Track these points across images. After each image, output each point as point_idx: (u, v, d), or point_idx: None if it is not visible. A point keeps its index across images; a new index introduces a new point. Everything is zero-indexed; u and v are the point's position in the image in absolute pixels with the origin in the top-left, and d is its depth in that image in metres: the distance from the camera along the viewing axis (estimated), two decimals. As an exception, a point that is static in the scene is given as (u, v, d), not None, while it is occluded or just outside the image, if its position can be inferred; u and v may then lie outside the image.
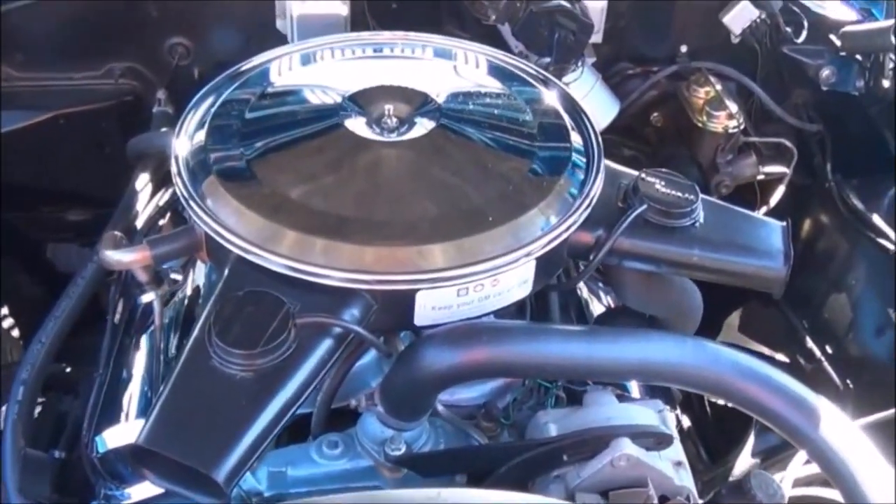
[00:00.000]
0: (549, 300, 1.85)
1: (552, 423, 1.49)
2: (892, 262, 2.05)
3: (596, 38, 2.23)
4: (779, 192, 2.41)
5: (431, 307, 1.43)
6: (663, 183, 1.60)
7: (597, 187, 1.56)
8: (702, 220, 1.60)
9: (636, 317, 1.77)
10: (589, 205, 1.53)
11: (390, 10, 2.29)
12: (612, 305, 2.04)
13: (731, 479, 1.92)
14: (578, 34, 2.11)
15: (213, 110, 1.63)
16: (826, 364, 2.17)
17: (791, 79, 2.37)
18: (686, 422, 2.22)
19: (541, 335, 1.45)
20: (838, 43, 2.27)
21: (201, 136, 1.59)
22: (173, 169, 1.54)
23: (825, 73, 2.29)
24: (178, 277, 1.81)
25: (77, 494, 1.58)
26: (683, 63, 2.40)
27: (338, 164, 1.56)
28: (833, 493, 1.45)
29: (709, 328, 1.84)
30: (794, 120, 2.36)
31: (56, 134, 2.26)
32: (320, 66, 1.77)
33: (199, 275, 1.96)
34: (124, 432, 1.60)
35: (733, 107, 2.32)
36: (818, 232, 2.33)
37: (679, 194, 1.59)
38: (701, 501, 1.48)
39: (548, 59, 2.10)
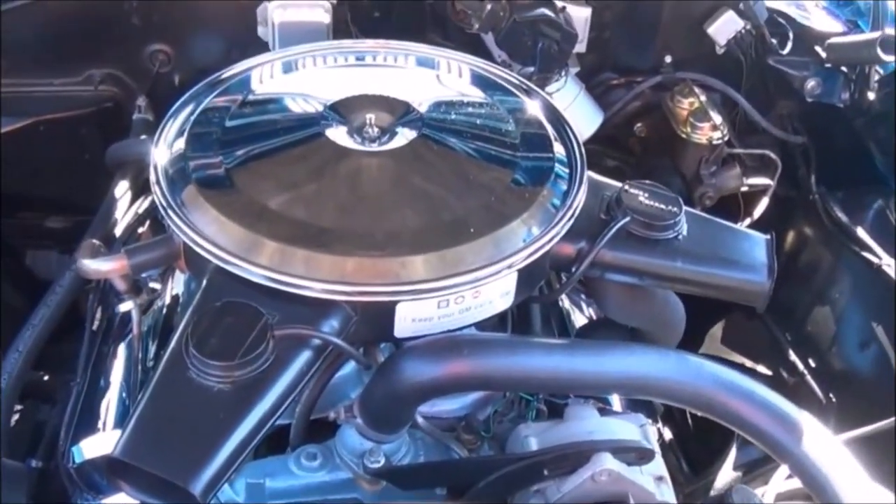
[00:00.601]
0: (531, 312, 1.84)
1: (533, 437, 1.48)
2: (875, 276, 2.04)
3: (580, 47, 2.23)
4: (763, 204, 2.40)
5: (412, 319, 1.42)
6: (647, 195, 1.59)
7: (579, 199, 1.55)
8: (685, 233, 1.59)
9: (618, 329, 1.77)
10: (571, 216, 1.52)
11: (373, 17, 2.28)
12: (595, 317, 2.03)
13: (712, 492, 1.91)
14: (562, 44, 2.10)
15: (192, 118, 1.62)
16: (809, 377, 2.17)
17: (776, 90, 2.37)
18: (668, 433, 2.22)
19: (522, 348, 1.45)
20: (824, 54, 2.27)
21: (181, 144, 1.57)
22: (152, 177, 1.53)
23: (810, 84, 2.29)
24: (157, 286, 1.80)
25: (54, 504, 1.57)
26: (668, 73, 2.39)
27: (318, 173, 1.54)
28: (815, 508, 1.45)
29: (691, 339, 1.84)
30: (778, 132, 2.36)
31: (36, 140, 2.25)
32: (302, 75, 1.76)
33: (178, 283, 1.94)
34: (101, 443, 1.59)
35: (717, 118, 2.31)
36: (802, 244, 2.32)
37: (662, 206, 1.59)
38: (682, 515, 1.48)
39: (531, 69, 2.10)
